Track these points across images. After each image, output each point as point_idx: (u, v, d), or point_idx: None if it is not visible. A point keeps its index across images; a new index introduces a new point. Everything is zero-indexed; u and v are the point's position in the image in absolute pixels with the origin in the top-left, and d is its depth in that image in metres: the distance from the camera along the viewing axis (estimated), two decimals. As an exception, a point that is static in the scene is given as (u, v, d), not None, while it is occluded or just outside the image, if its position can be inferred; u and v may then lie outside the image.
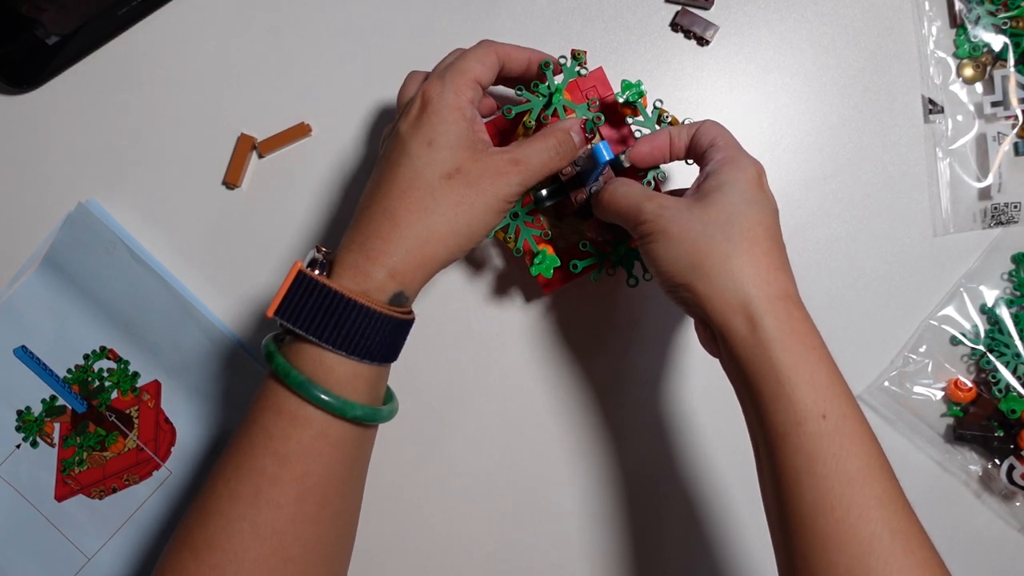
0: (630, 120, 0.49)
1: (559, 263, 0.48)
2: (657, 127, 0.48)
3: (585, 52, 0.47)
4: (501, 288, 0.57)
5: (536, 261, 0.48)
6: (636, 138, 0.49)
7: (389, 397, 0.45)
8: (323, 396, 0.39)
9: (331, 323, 0.39)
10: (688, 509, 0.56)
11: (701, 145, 0.45)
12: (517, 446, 0.57)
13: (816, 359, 0.39)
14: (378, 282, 0.40)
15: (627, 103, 0.48)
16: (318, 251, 0.42)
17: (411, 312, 0.43)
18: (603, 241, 0.50)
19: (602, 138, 0.50)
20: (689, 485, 0.56)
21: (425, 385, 0.57)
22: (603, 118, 0.48)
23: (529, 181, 0.43)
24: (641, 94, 0.47)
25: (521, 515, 0.57)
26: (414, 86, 0.47)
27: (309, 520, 0.40)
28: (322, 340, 0.39)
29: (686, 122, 0.47)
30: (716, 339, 0.42)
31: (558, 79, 0.47)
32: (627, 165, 0.46)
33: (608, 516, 0.57)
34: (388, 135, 0.46)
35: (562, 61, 0.47)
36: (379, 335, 0.40)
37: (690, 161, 0.46)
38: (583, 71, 0.48)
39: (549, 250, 0.48)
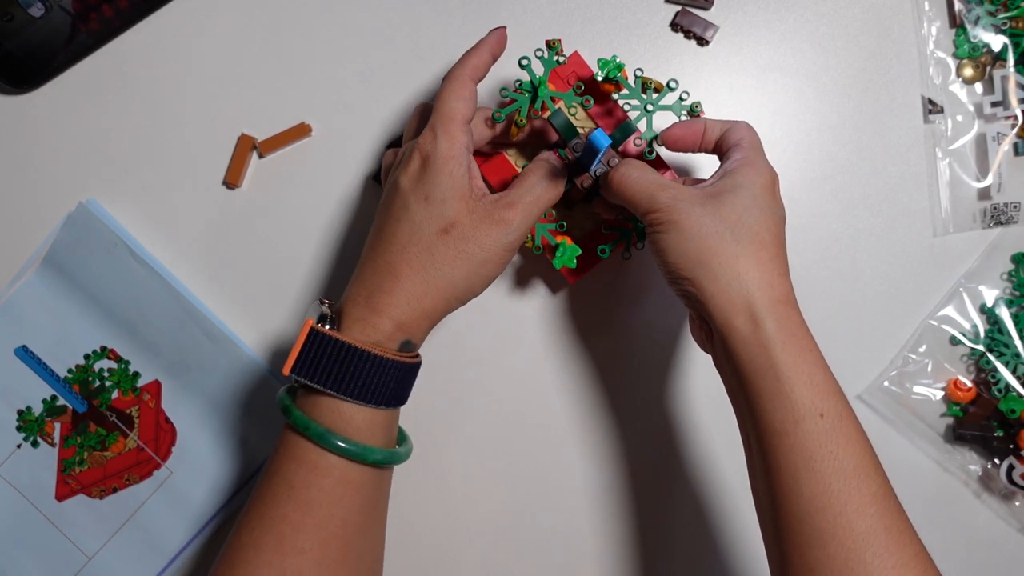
0: (615, 96, 0.49)
1: (581, 251, 0.48)
2: (643, 96, 0.48)
3: (560, 40, 0.47)
4: (522, 282, 0.57)
5: (558, 254, 0.47)
6: (625, 111, 0.50)
7: (403, 438, 0.47)
8: (343, 445, 0.41)
9: (347, 375, 0.41)
10: (699, 509, 0.57)
11: (727, 143, 0.46)
12: (524, 444, 0.57)
13: (813, 360, 0.40)
14: (386, 333, 0.42)
15: (608, 79, 0.48)
16: (322, 303, 0.43)
17: (418, 356, 0.44)
18: (621, 219, 0.50)
19: (595, 123, 0.51)
20: (698, 484, 0.57)
21: (438, 384, 0.57)
22: (592, 100, 0.48)
23: (530, 220, 0.45)
24: (620, 67, 0.47)
25: (533, 512, 0.57)
26: (417, 123, 0.48)
27: (335, 563, 0.41)
28: (339, 392, 0.41)
29: (671, 85, 0.47)
30: (711, 336, 0.43)
31: (539, 71, 0.47)
32: (651, 148, 0.48)
33: (615, 517, 0.57)
34: (389, 168, 0.47)
35: (539, 54, 0.47)
36: (392, 382, 0.42)
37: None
38: (561, 59, 0.48)
39: (568, 241, 0.48)
